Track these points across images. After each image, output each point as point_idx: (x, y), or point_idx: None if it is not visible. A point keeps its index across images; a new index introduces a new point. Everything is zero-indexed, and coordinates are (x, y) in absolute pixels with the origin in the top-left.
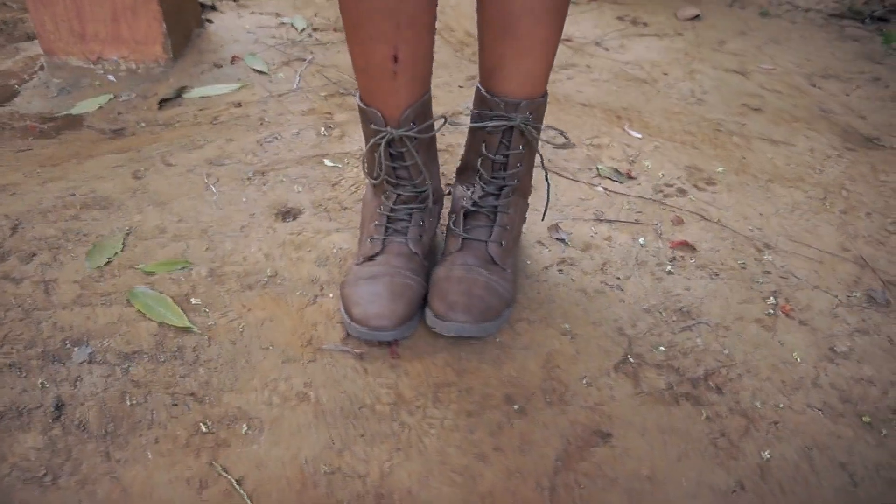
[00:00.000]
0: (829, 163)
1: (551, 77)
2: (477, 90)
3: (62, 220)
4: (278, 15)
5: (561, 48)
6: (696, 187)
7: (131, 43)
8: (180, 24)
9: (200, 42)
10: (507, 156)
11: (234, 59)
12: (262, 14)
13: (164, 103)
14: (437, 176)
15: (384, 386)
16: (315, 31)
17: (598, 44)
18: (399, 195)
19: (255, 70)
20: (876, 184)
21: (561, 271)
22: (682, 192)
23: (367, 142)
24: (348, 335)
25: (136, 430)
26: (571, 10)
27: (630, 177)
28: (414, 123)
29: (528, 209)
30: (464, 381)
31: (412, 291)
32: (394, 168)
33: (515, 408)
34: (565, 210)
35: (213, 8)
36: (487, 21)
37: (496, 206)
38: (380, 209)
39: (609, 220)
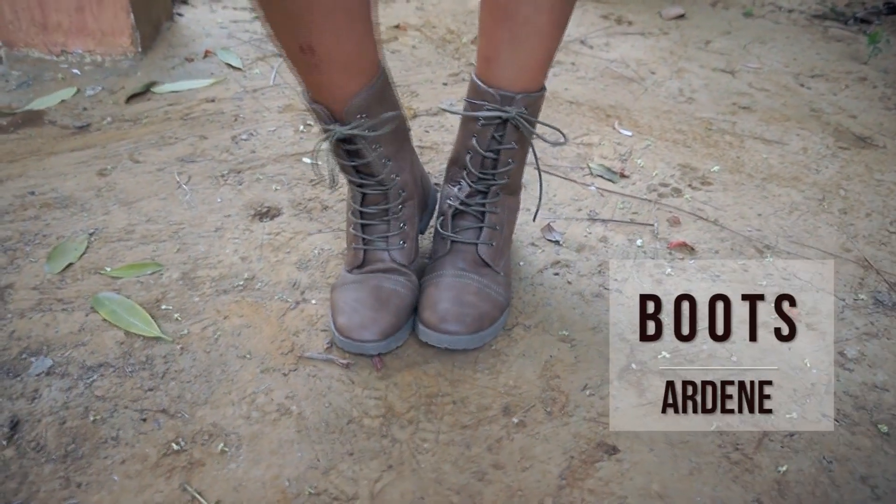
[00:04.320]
0: (823, 162)
1: None
2: (472, 79)
3: (20, 220)
4: (252, 10)
5: None
6: (691, 186)
7: (97, 34)
8: (149, 15)
9: (171, 36)
10: (497, 151)
11: (207, 54)
12: (235, 9)
13: (132, 98)
14: (412, 167)
15: (372, 398)
16: None
17: (582, 42)
18: (365, 195)
19: (229, 65)
20: (872, 183)
21: (556, 273)
22: (678, 191)
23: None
24: (333, 344)
25: (99, 451)
26: None
27: (623, 176)
28: (365, 116)
29: (520, 208)
30: (458, 391)
31: (400, 299)
32: (354, 166)
33: (514, 420)
34: (558, 210)
35: (184, 1)
36: (488, 5)
37: (483, 204)
38: (352, 214)
39: (604, 221)
